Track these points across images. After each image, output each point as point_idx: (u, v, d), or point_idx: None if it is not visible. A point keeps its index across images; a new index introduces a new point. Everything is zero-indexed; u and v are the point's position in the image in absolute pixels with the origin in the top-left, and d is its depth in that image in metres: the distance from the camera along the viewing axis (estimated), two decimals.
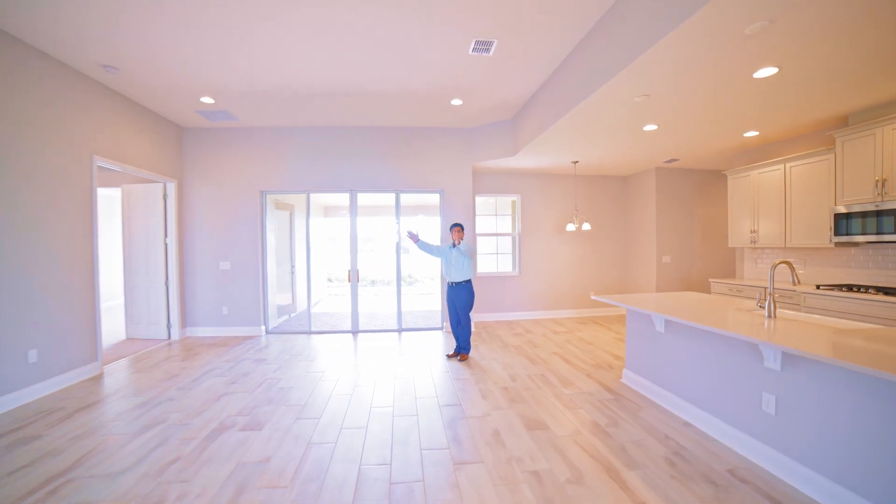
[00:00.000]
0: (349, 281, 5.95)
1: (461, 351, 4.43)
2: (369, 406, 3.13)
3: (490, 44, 3.37)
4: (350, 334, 5.72)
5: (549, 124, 4.12)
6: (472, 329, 5.68)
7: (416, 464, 2.29)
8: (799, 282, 2.57)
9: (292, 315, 7.18)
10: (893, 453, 1.65)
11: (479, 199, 6.67)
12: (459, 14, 2.96)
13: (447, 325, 5.82)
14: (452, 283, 4.43)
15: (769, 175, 4.68)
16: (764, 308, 2.70)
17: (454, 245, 4.32)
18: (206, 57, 3.57)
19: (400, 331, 5.88)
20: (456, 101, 4.73)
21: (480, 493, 2.01)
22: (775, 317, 2.50)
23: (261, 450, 2.46)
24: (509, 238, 6.85)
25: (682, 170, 6.30)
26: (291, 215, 7.38)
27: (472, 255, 4.39)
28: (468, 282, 4.40)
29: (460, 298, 4.37)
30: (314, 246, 6.91)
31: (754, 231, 4.88)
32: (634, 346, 3.48)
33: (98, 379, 3.80)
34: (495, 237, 6.83)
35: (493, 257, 6.83)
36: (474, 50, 3.47)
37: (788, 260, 3.56)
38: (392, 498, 1.98)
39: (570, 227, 5.82)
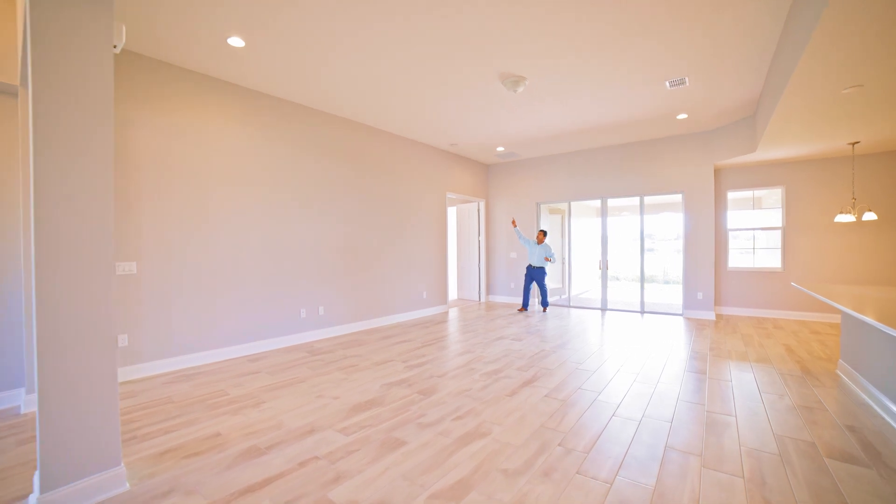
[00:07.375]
0: (599, 269, 7.41)
1: (544, 304, 7.19)
2: (620, 330, 4.72)
3: (683, 79, 4.27)
4: (599, 311, 7.20)
5: (768, 121, 4.39)
6: (698, 317, 6.08)
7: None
8: None
9: (562, 296, 9.16)
10: None
11: (732, 196, 6.69)
12: (647, 69, 4.12)
13: (689, 312, 6.39)
14: (533, 266, 7.11)
15: None
16: None
17: (537, 243, 7.09)
18: (501, 129, 6.03)
19: (642, 312, 6.87)
20: (682, 116, 5.47)
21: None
22: None
23: (553, 326, 4.55)
24: (770, 232, 6.47)
25: None
26: (563, 218, 9.34)
27: (552, 256, 7.00)
28: (543, 267, 7.10)
29: (539, 275, 7.12)
30: (586, 242, 8.67)
31: None
32: (845, 338, 3.56)
33: (446, 313, 6.95)
34: (752, 231, 6.61)
35: (748, 253, 6.64)
36: (671, 86, 4.43)
37: None
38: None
39: (843, 219, 5.19)
